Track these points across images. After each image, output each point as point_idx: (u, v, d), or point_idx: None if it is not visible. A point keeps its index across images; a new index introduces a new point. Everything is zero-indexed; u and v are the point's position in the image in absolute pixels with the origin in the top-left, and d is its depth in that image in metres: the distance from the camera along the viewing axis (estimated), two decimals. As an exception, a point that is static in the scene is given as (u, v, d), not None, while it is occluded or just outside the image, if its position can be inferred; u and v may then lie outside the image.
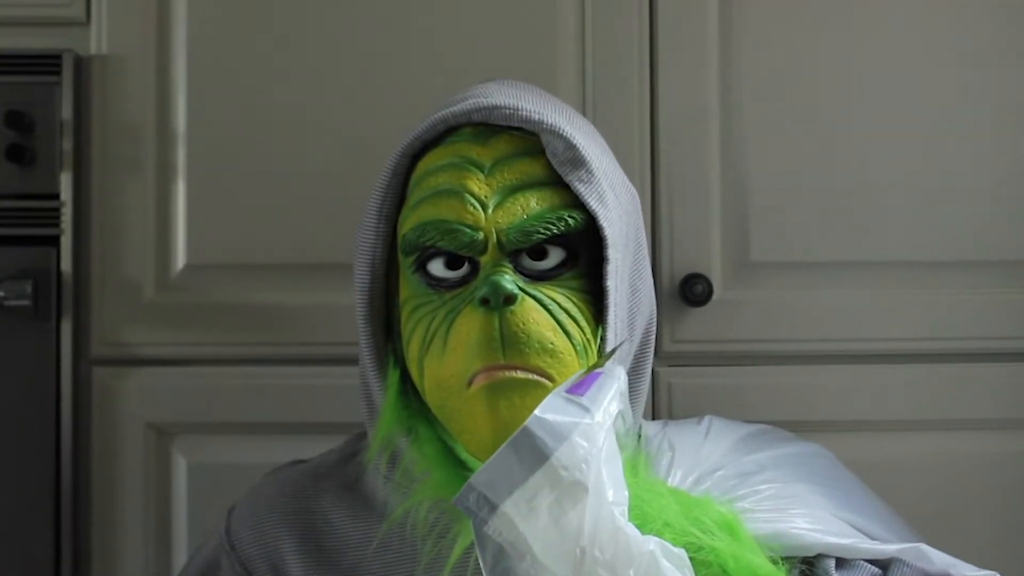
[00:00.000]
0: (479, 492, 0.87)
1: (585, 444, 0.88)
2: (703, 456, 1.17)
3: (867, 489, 1.25)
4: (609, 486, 0.88)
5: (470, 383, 1.00)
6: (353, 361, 1.38)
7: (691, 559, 0.92)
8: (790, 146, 1.52)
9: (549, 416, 0.88)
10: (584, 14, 1.54)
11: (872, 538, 1.11)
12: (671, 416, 1.50)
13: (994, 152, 1.53)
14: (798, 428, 1.38)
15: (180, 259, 1.55)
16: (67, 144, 1.52)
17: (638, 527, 0.91)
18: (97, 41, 1.55)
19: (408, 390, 1.09)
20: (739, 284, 1.52)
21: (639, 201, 1.15)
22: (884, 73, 1.53)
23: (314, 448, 1.38)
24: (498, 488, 0.87)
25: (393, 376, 1.09)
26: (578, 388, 0.93)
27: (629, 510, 0.91)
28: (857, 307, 1.51)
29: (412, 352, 1.06)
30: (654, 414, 1.50)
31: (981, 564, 1.10)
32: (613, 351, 1.02)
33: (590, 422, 0.89)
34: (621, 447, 0.95)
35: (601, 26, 1.53)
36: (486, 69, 1.32)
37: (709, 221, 1.52)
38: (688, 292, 1.49)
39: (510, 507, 0.86)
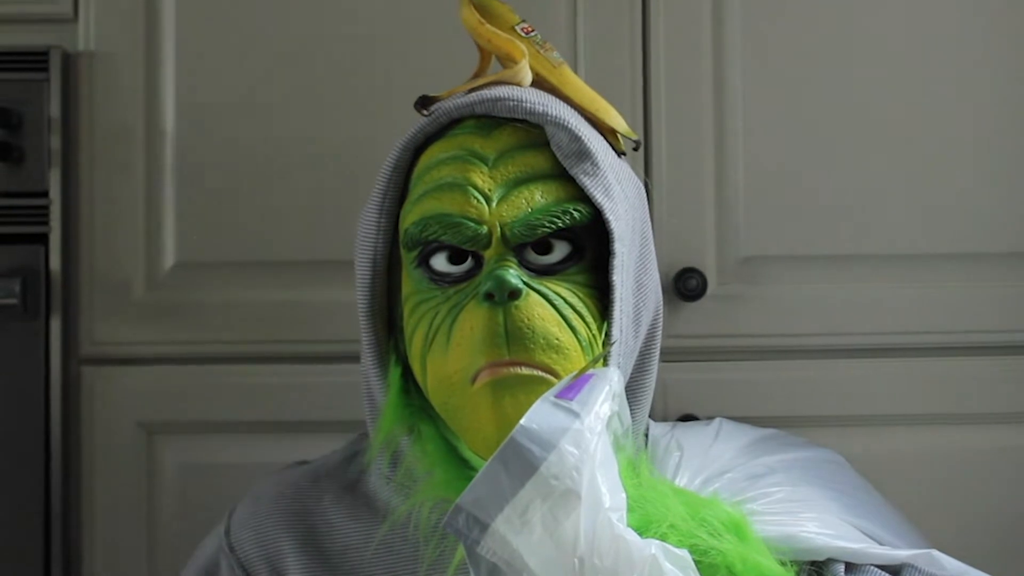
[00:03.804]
0: (467, 512, 0.85)
1: (575, 451, 0.86)
2: (712, 457, 1.16)
3: (878, 495, 1.24)
4: (605, 492, 0.87)
5: (474, 380, 0.99)
6: (344, 358, 1.38)
7: (698, 562, 0.90)
8: (783, 140, 1.52)
9: (536, 424, 0.86)
10: (576, 9, 1.53)
11: (882, 544, 1.10)
12: (665, 411, 1.50)
13: (987, 145, 1.52)
14: (794, 423, 1.38)
15: (169, 257, 1.53)
16: (55, 142, 1.51)
17: (642, 530, 0.90)
18: (85, 38, 1.54)
19: (410, 388, 1.08)
20: (733, 279, 1.51)
21: (645, 194, 1.14)
22: (878, 66, 1.52)
23: (306, 447, 1.37)
24: (487, 505, 0.85)
25: (395, 373, 1.07)
26: (567, 392, 0.91)
27: (630, 512, 0.90)
28: (852, 301, 1.51)
29: (415, 349, 1.05)
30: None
31: (973, 559, 1.10)
32: (602, 353, 1.01)
33: (579, 427, 0.87)
34: (619, 448, 0.94)
35: (592, 18, 1.53)
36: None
37: (702, 215, 1.52)
38: (682, 287, 1.49)
39: (502, 524, 0.84)
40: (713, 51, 1.53)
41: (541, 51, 1.12)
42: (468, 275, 1.03)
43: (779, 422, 1.35)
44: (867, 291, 1.51)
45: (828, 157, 1.52)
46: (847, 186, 1.51)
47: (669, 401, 1.50)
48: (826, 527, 1.06)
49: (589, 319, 1.02)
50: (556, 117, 1.04)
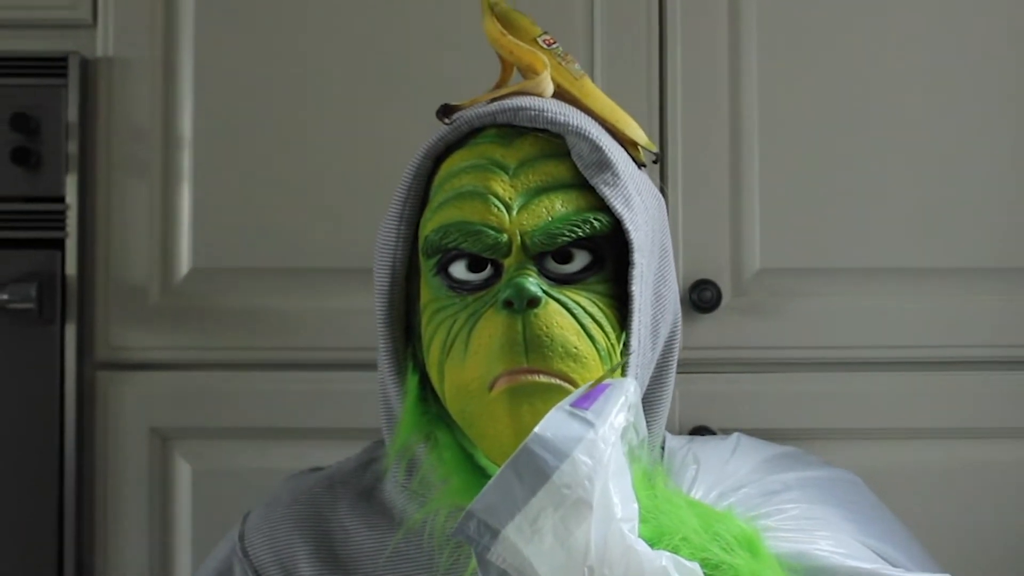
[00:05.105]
0: (479, 519, 0.84)
1: (588, 460, 0.85)
2: (728, 472, 1.15)
3: (893, 516, 1.23)
4: (617, 502, 0.86)
5: (491, 387, 0.98)
6: (359, 365, 1.38)
7: None
8: (798, 153, 1.52)
9: (550, 433, 0.86)
10: (593, 21, 1.54)
11: (896, 567, 1.09)
12: (680, 422, 1.50)
13: (998, 161, 1.53)
14: (807, 436, 1.39)
15: (185, 263, 1.54)
16: (73, 147, 1.52)
17: (654, 541, 0.89)
18: (103, 44, 1.55)
19: (427, 395, 1.08)
20: (748, 291, 1.52)
21: (664, 206, 1.14)
22: (893, 80, 1.53)
23: (319, 453, 1.38)
24: (499, 512, 0.84)
25: (412, 381, 1.07)
26: (583, 401, 0.90)
27: (643, 523, 0.89)
28: (866, 314, 1.51)
29: (432, 356, 1.04)
30: (664, 422, 1.50)
31: (984, 575, 1.10)
32: (619, 363, 1.01)
33: (593, 437, 0.86)
34: (634, 459, 0.93)
35: (609, 31, 1.53)
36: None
37: (718, 227, 1.52)
38: (697, 299, 1.49)
39: (512, 531, 0.84)
40: (729, 63, 1.54)
41: (562, 63, 1.12)
42: (487, 283, 1.02)
43: (792, 434, 1.35)
44: (882, 304, 1.51)
45: (843, 170, 1.52)
46: (862, 199, 1.52)
47: (682, 413, 1.51)
48: (840, 546, 1.05)
49: (608, 328, 1.01)
50: (577, 127, 1.04)
